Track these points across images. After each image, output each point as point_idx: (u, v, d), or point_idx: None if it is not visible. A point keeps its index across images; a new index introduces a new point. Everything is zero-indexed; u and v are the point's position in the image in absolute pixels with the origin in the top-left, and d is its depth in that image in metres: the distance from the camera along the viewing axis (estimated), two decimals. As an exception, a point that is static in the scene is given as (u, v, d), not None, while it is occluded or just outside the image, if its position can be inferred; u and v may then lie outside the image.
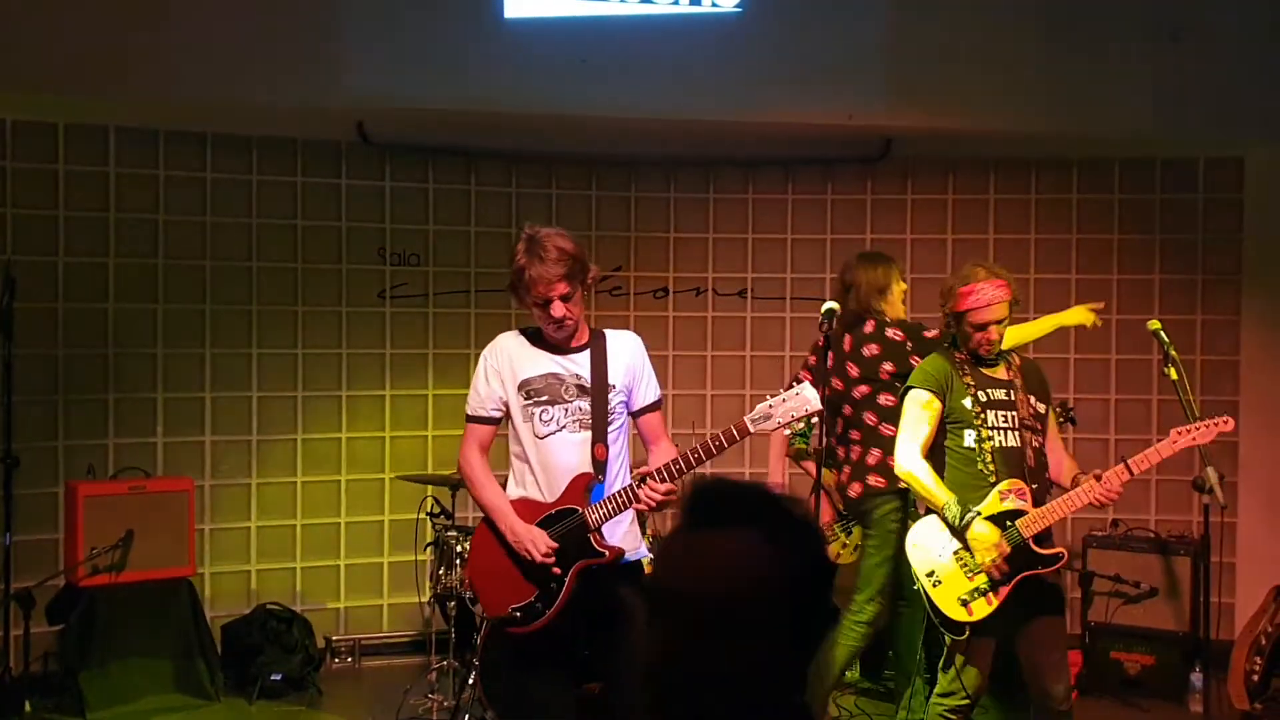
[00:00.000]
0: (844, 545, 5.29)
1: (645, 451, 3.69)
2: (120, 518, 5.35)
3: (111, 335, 5.91)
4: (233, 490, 6.14)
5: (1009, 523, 3.84)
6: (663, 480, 3.42)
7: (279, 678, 5.52)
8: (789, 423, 3.50)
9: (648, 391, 3.67)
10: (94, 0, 5.27)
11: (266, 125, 6.08)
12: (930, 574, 3.91)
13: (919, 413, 3.96)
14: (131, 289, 5.95)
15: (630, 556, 3.60)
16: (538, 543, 3.47)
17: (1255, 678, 5.25)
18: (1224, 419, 3.89)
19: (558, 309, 3.46)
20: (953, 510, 3.83)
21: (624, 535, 3.60)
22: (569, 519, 3.51)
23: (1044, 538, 3.90)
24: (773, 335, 6.81)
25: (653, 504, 3.44)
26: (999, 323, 3.91)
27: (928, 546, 3.95)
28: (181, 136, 6.02)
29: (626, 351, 3.64)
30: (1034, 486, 3.89)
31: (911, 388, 4.01)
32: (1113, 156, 6.59)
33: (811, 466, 5.37)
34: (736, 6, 5.79)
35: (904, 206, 6.75)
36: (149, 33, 5.32)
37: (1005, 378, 3.99)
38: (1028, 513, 3.84)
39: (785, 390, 3.49)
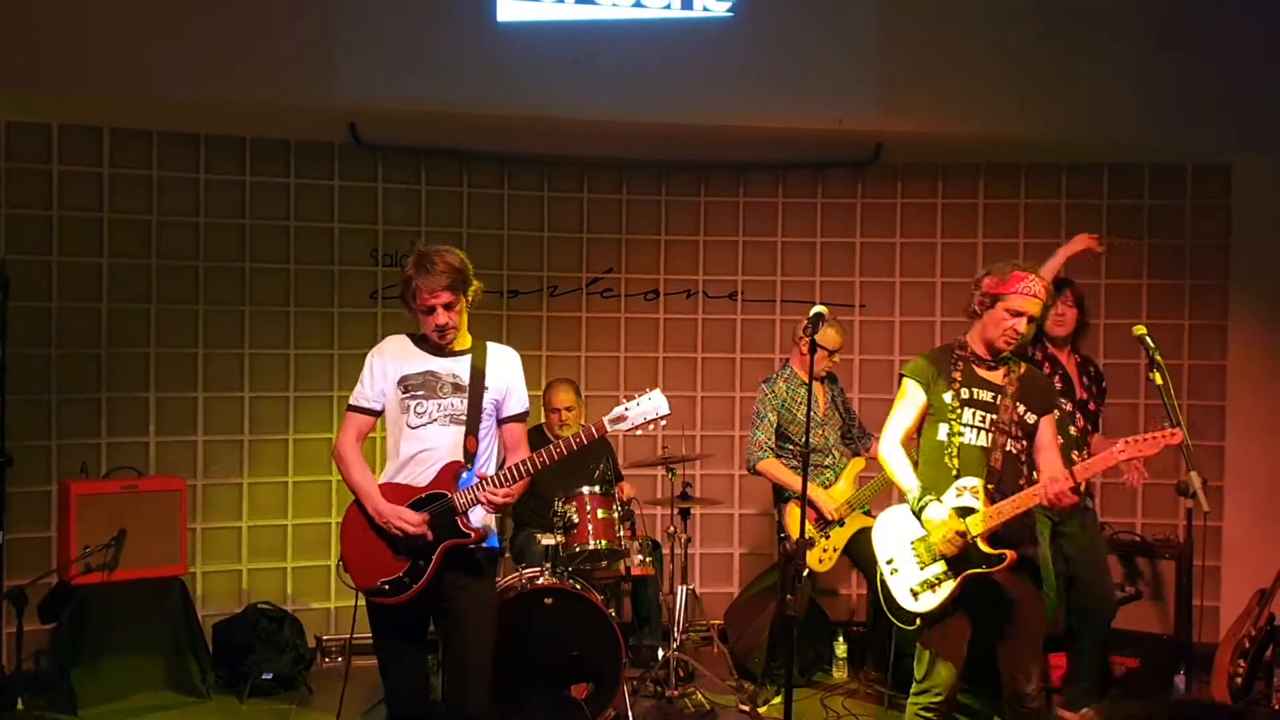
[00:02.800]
0: (824, 550, 5.33)
1: (505, 457, 3.98)
2: (113, 517, 5.38)
3: (105, 335, 5.93)
4: (224, 490, 6.17)
5: (961, 519, 3.90)
6: (501, 485, 3.76)
7: (270, 676, 5.55)
8: (642, 425, 3.78)
9: (516, 404, 3.97)
10: (90, 2, 5.29)
11: (260, 126, 6.11)
12: (889, 561, 4.03)
13: (904, 402, 4.09)
14: (125, 289, 5.97)
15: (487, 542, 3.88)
16: (406, 518, 3.74)
17: (1239, 680, 5.30)
18: (1171, 431, 3.88)
19: (440, 316, 3.81)
20: (913, 496, 3.96)
21: (483, 518, 3.86)
22: (438, 502, 3.79)
23: (1002, 540, 3.90)
24: (763, 337, 6.84)
25: (493, 503, 3.76)
26: (1030, 320, 3.98)
27: (890, 535, 4.06)
28: (175, 137, 6.04)
29: (504, 363, 3.96)
30: (990, 487, 3.91)
31: (902, 377, 4.14)
32: (1101, 162, 6.64)
33: (774, 470, 5.40)
34: (728, 11, 5.83)
35: (894, 210, 6.80)
36: (143, 34, 5.35)
37: (999, 382, 4.03)
38: (979, 511, 3.89)
39: (640, 395, 3.80)
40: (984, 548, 3.87)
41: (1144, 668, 5.77)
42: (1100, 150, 6.50)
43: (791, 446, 5.42)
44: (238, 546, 6.20)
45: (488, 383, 3.87)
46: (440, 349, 3.88)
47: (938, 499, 3.91)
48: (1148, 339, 4.32)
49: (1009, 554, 3.87)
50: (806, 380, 5.08)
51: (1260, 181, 6.42)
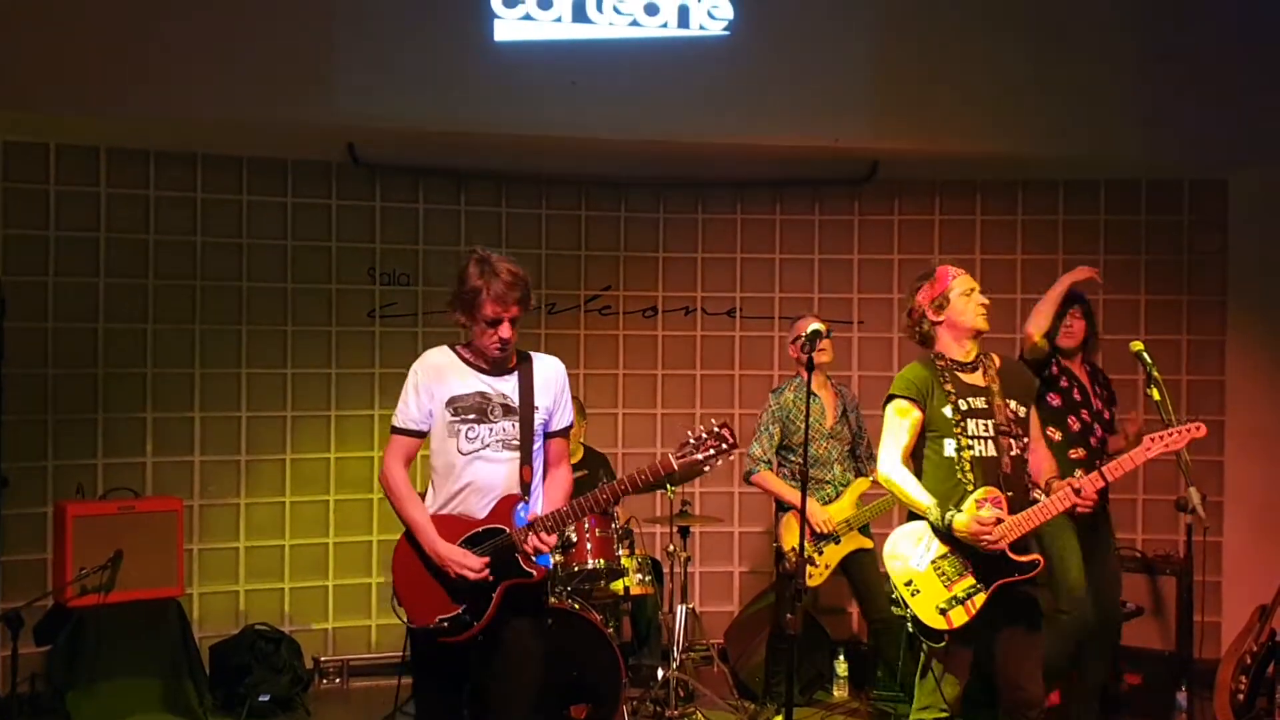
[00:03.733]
0: (816, 566, 5.30)
1: (545, 471, 3.78)
2: (109, 538, 5.34)
3: (101, 355, 5.92)
4: (221, 510, 6.15)
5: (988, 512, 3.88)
6: (550, 532, 3.58)
7: (267, 698, 5.52)
8: (708, 460, 3.60)
9: (563, 417, 3.79)
10: (86, 21, 5.29)
11: (257, 146, 6.11)
12: (909, 583, 3.96)
13: (900, 420, 4.03)
14: (121, 309, 5.97)
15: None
16: (469, 563, 3.56)
17: (1241, 697, 5.27)
18: (1197, 425, 3.92)
19: (506, 330, 3.60)
20: (935, 513, 3.89)
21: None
22: (497, 538, 3.60)
23: (1023, 547, 3.92)
24: (761, 354, 6.84)
25: (540, 551, 3.58)
26: (979, 291, 4.05)
27: (906, 556, 4.00)
28: (172, 157, 6.04)
29: (552, 376, 3.76)
30: (1009, 494, 3.92)
31: (893, 396, 4.06)
32: (1098, 178, 6.66)
33: (768, 481, 5.38)
34: (724, 30, 5.84)
35: (891, 227, 6.80)
36: (141, 54, 5.34)
37: (983, 384, 4.03)
38: (1003, 520, 3.87)
39: (705, 430, 3.62)
40: (1012, 556, 3.87)
41: (1146, 684, 5.75)
42: (1097, 166, 6.51)
43: (793, 459, 5.39)
44: (235, 567, 6.17)
45: (537, 401, 3.68)
46: (490, 366, 3.68)
47: (957, 509, 3.88)
48: (1145, 355, 4.32)
49: (1040, 559, 3.89)
50: (812, 392, 5.09)
51: (1257, 197, 6.43)
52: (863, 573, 5.35)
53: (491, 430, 3.63)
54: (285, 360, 6.28)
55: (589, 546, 5.20)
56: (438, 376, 3.67)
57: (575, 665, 4.86)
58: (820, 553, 5.30)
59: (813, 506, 5.28)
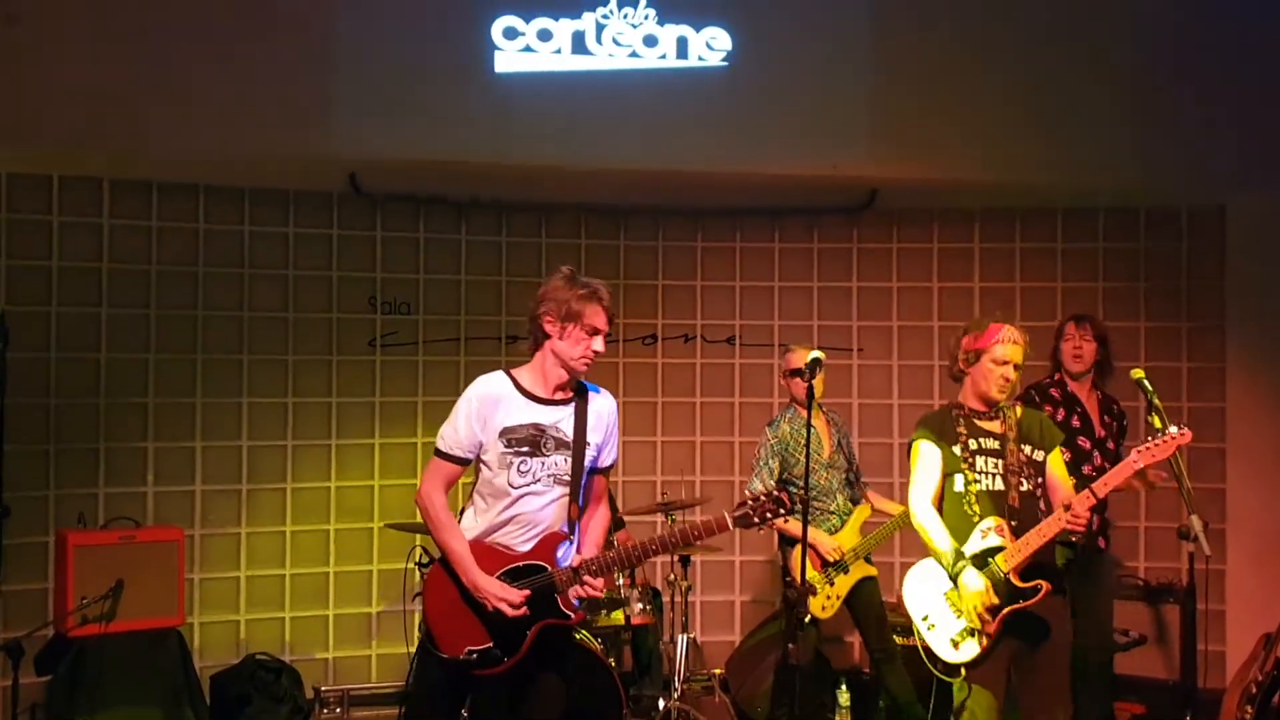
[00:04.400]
0: (828, 597, 5.26)
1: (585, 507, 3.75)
2: (110, 567, 5.35)
3: (103, 384, 5.93)
4: (222, 540, 6.14)
5: (989, 559, 3.94)
6: (597, 576, 3.57)
7: (267, 728, 5.50)
8: (764, 523, 3.64)
9: (609, 454, 3.75)
10: (91, 56, 5.33)
11: (259, 176, 6.14)
12: (925, 618, 4.04)
13: (927, 460, 4.11)
14: (124, 338, 5.98)
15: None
16: (509, 597, 3.50)
17: (1245, 726, 5.24)
18: (1182, 432, 3.94)
19: (601, 344, 3.60)
20: (948, 559, 3.97)
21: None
22: (538, 575, 3.56)
23: (1030, 573, 3.94)
24: (761, 382, 6.84)
25: (584, 595, 3.58)
26: (1017, 367, 4.08)
27: (922, 591, 4.08)
28: (174, 187, 6.08)
29: (604, 412, 3.73)
30: (1013, 524, 3.97)
31: (917, 439, 4.17)
32: (1096, 206, 6.67)
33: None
34: (722, 61, 5.88)
35: (889, 255, 6.82)
36: (144, 87, 5.38)
37: (999, 430, 4.11)
38: (1006, 547, 3.93)
39: (765, 494, 3.68)
40: (1016, 582, 3.91)
41: (1150, 714, 5.72)
42: (1095, 194, 6.54)
43: (794, 490, 5.36)
44: (235, 596, 6.16)
45: (589, 437, 3.64)
46: (545, 397, 3.63)
47: (969, 562, 3.92)
48: (1145, 382, 4.32)
49: (1044, 584, 3.90)
50: (807, 419, 5.09)
51: (1255, 223, 6.44)
52: (866, 602, 5.32)
53: (544, 464, 3.58)
54: (286, 389, 6.29)
55: (612, 572, 5.17)
56: (493, 407, 3.60)
57: (576, 695, 4.83)
58: (831, 583, 5.25)
59: (821, 536, 5.25)
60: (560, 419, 3.62)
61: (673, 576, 5.64)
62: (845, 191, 6.52)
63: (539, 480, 3.57)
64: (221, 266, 6.18)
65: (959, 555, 3.94)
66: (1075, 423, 5.13)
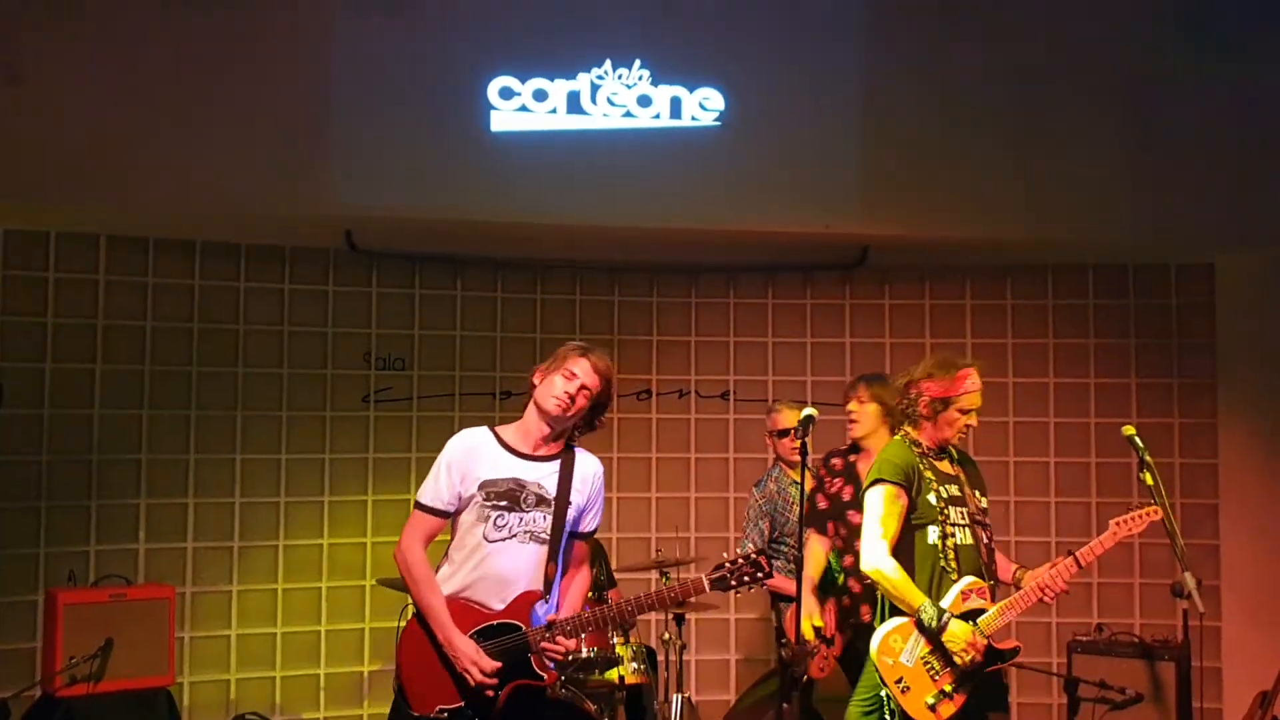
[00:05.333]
0: (825, 658, 5.21)
1: (564, 571, 3.71)
2: (100, 626, 5.30)
3: (96, 441, 5.92)
4: (213, 597, 6.10)
5: (972, 623, 3.87)
6: (569, 636, 3.54)
7: (256, 790, 5.43)
8: (740, 586, 3.60)
9: (592, 519, 3.73)
10: (87, 113, 5.37)
11: (255, 233, 6.18)
12: (899, 680, 3.89)
13: (888, 508, 3.93)
14: (117, 395, 5.98)
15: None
16: (480, 664, 3.47)
17: (1244, 785, 5.20)
18: (1154, 509, 3.94)
19: (572, 386, 3.58)
20: (929, 613, 3.82)
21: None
22: (512, 635, 3.53)
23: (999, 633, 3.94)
24: (756, 437, 6.83)
25: (552, 656, 3.53)
26: (975, 414, 4.03)
27: (895, 652, 3.92)
28: (171, 244, 6.11)
29: (590, 475, 3.71)
30: (990, 584, 3.95)
31: (882, 481, 3.97)
32: (1086, 262, 6.73)
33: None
34: (716, 121, 5.95)
35: (882, 311, 6.87)
36: (140, 144, 5.42)
37: (953, 472, 4.06)
38: (989, 611, 3.88)
39: (743, 557, 3.62)
40: (995, 645, 3.87)
41: (1148, 773, 5.67)
42: (1084, 251, 6.59)
43: (785, 549, 5.36)
44: (226, 655, 6.11)
45: (572, 496, 3.62)
46: (528, 453, 3.63)
47: (950, 613, 3.84)
48: (1136, 439, 4.33)
49: (1019, 645, 3.89)
50: (795, 478, 5.07)
51: (1244, 280, 6.50)
52: (858, 660, 5.27)
53: (521, 520, 3.56)
54: (280, 445, 6.28)
55: (583, 635, 5.14)
56: (473, 458, 3.60)
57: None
58: (830, 644, 5.21)
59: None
60: (543, 476, 3.61)
61: (667, 635, 5.60)
62: (838, 249, 6.57)
63: (515, 536, 3.55)
64: (216, 323, 6.19)
65: (940, 609, 3.81)
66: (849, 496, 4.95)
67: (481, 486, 3.56)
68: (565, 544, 3.65)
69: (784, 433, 5.30)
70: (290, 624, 6.24)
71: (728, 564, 3.60)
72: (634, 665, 5.45)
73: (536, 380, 3.66)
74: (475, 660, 3.47)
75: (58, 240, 5.90)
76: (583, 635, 3.60)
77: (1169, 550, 4.20)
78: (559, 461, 3.65)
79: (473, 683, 3.47)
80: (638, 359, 6.86)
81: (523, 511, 3.56)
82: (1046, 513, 6.61)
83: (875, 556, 3.90)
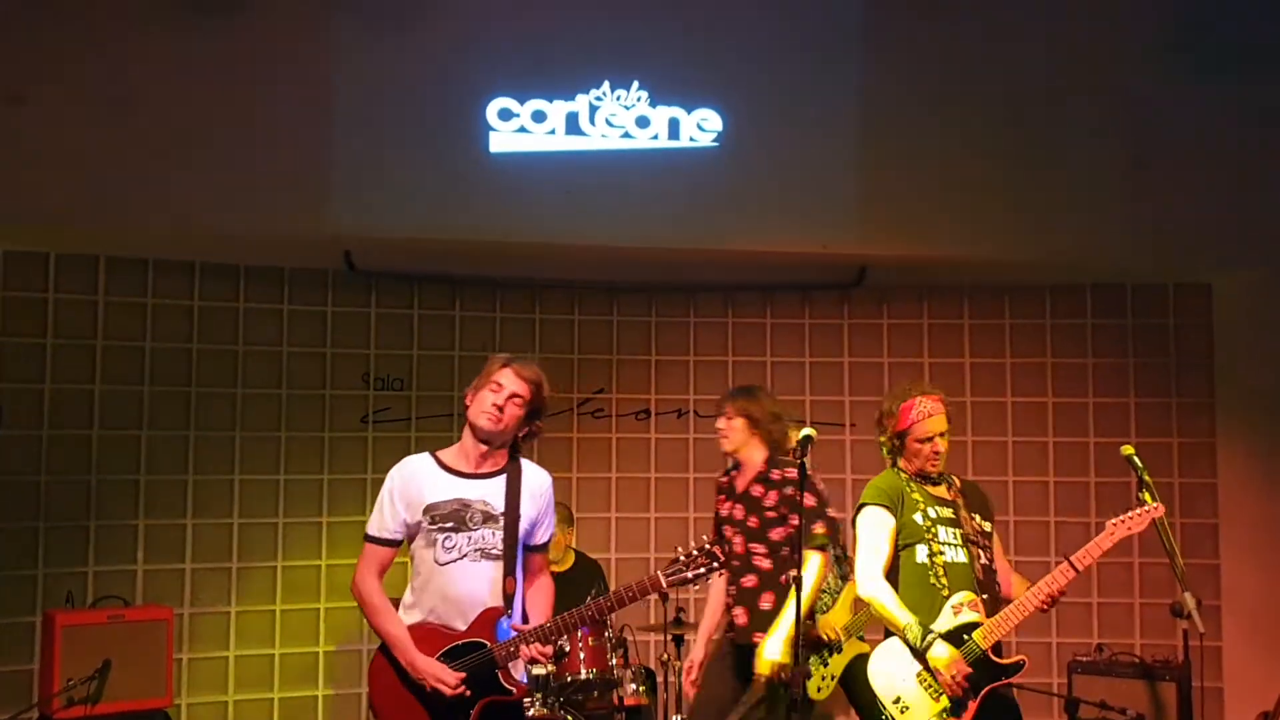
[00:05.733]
0: (823, 678, 5.20)
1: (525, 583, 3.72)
2: (98, 648, 5.29)
3: (95, 461, 5.92)
4: (212, 619, 6.09)
5: (965, 636, 3.87)
6: (544, 641, 3.54)
7: (254, 813, 5.41)
8: (697, 578, 3.60)
9: (544, 532, 3.74)
10: (87, 134, 5.40)
11: (254, 254, 6.20)
12: (896, 700, 3.90)
13: (877, 531, 3.97)
14: (116, 415, 5.98)
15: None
16: (445, 678, 3.49)
17: (1245, 806, 5.18)
18: (1157, 505, 3.92)
19: (500, 398, 3.59)
20: (914, 632, 3.84)
21: (521, 668, 3.65)
22: (477, 653, 3.54)
23: (1001, 649, 3.92)
24: (754, 458, 6.84)
25: (531, 659, 3.55)
26: (942, 434, 4.01)
27: (891, 673, 3.93)
28: (170, 265, 6.12)
29: (539, 487, 3.71)
30: (984, 597, 3.93)
31: (865, 505, 4.03)
32: (1084, 282, 6.74)
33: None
34: (714, 141, 5.97)
35: (880, 331, 6.87)
36: (140, 165, 5.44)
37: (949, 497, 4.06)
38: (982, 624, 3.87)
39: (697, 547, 3.62)
40: (995, 660, 3.85)
41: (1149, 794, 5.65)
42: (1082, 271, 6.61)
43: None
44: (224, 677, 6.09)
45: (522, 510, 3.62)
46: (473, 467, 3.64)
47: (939, 635, 3.84)
48: (1135, 459, 4.33)
49: (1024, 659, 3.89)
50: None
51: (1241, 300, 6.51)
52: (862, 683, 5.24)
53: (470, 539, 3.56)
54: (278, 466, 6.28)
55: (582, 656, 5.15)
56: (414, 484, 3.63)
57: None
58: (825, 663, 5.19)
59: (818, 618, 5.17)
60: (488, 493, 3.62)
61: (666, 656, 5.59)
62: (835, 268, 6.58)
63: (465, 555, 3.55)
64: (215, 343, 6.20)
65: (925, 629, 3.83)
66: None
67: (426, 511, 3.58)
68: (522, 558, 3.66)
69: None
70: (288, 645, 6.22)
71: (682, 557, 3.62)
72: (633, 687, 5.44)
73: (468, 400, 3.69)
74: (439, 675, 3.49)
75: (57, 261, 5.91)
76: (555, 641, 3.60)
77: (1169, 570, 4.19)
78: (504, 476, 3.65)
79: (446, 695, 3.49)
80: (636, 379, 6.87)
81: (470, 530, 3.57)
82: (1046, 532, 6.60)
83: (868, 581, 3.94)
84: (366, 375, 6.47)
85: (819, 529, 4.45)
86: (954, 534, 3.97)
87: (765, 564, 4.56)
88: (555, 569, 5.59)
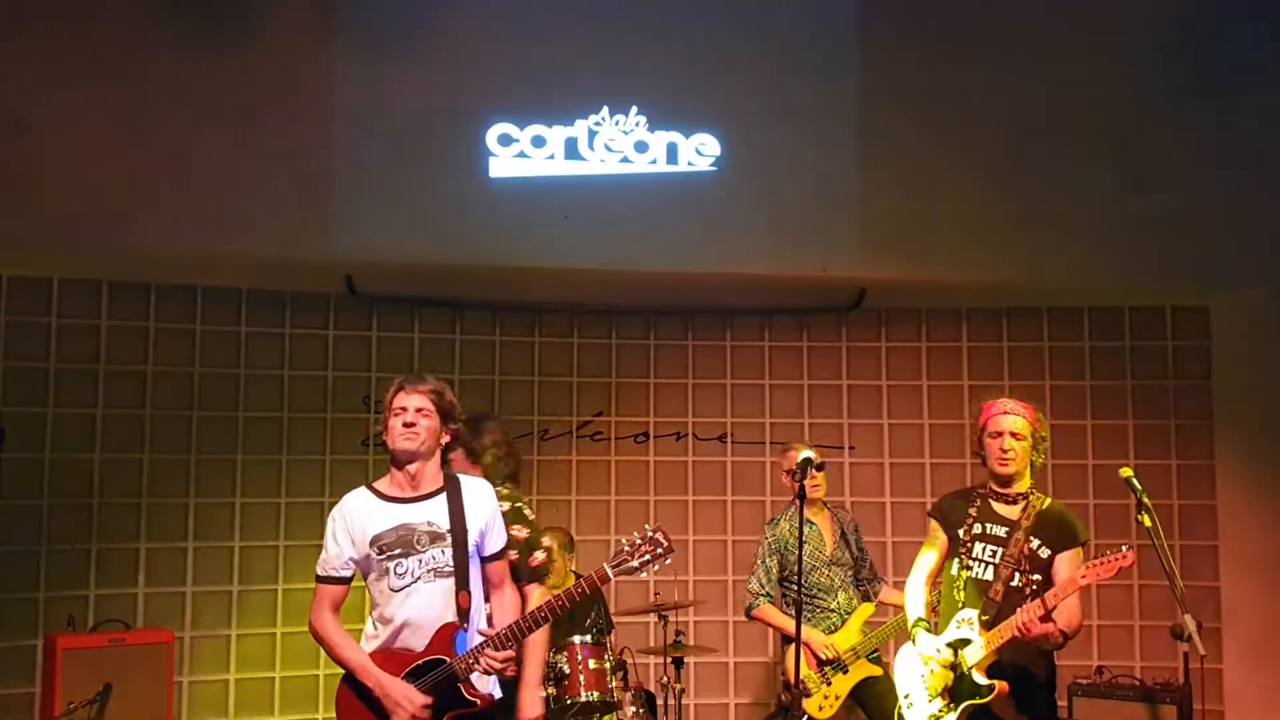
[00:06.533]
0: (825, 697, 5.20)
1: (489, 595, 3.76)
2: (99, 671, 5.31)
3: (97, 485, 5.95)
4: (212, 642, 6.10)
5: (958, 650, 4.01)
6: (500, 647, 3.57)
7: (253, 837, 5.40)
8: (644, 565, 3.62)
9: (496, 540, 3.77)
10: (89, 160, 5.44)
11: (256, 278, 6.23)
12: (906, 696, 4.15)
13: (930, 543, 4.26)
14: (118, 439, 6.01)
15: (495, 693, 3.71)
16: (411, 699, 3.53)
17: (1246, 830, 5.17)
18: (1125, 554, 3.90)
19: (409, 415, 3.64)
20: (910, 622, 4.14)
21: (489, 680, 3.67)
22: (438, 670, 3.57)
23: (1001, 671, 3.95)
24: (753, 480, 6.86)
25: (492, 670, 3.57)
26: (1014, 435, 4.08)
27: (908, 669, 4.17)
28: (172, 289, 6.16)
29: (480, 498, 3.75)
30: (985, 618, 3.98)
31: (930, 517, 4.32)
32: (1081, 305, 6.77)
33: (770, 615, 5.32)
34: (711, 166, 6.02)
35: (878, 354, 6.90)
36: (142, 190, 5.48)
37: (1014, 518, 4.09)
38: (973, 642, 3.98)
39: (639, 535, 3.64)
40: (978, 678, 3.94)
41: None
42: (1080, 294, 6.63)
43: (794, 588, 5.30)
44: (225, 700, 6.10)
45: (469, 524, 3.65)
46: (410, 491, 3.67)
47: (929, 628, 4.07)
48: (1134, 481, 4.33)
49: (999, 685, 3.93)
50: (808, 519, 5.09)
51: (1239, 322, 6.53)
52: (877, 703, 5.22)
53: (420, 561, 3.59)
54: (279, 489, 6.30)
55: (581, 679, 5.14)
56: (355, 519, 3.66)
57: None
58: (829, 682, 5.18)
59: (814, 634, 5.19)
60: (430, 514, 3.65)
61: (665, 679, 5.59)
62: (834, 291, 6.61)
63: (419, 578, 3.59)
64: (217, 367, 6.23)
65: (919, 621, 4.09)
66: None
67: (373, 542, 3.61)
68: (476, 570, 3.69)
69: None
70: (289, 668, 6.22)
71: (626, 547, 3.65)
72: (633, 709, 5.43)
73: (385, 438, 3.74)
74: (405, 696, 3.52)
75: (60, 286, 5.95)
76: (511, 646, 3.62)
77: (1168, 592, 4.20)
78: (444, 495, 3.68)
79: (411, 711, 3.52)
80: (635, 402, 6.89)
81: (419, 553, 3.60)
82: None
83: (910, 580, 4.24)
84: (368, 398, 6.49)
85: (536, 561, 4.42)
86: (994, 552, 4.05)
87: None
88: (558, 593, 5.61)
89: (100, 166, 5.46)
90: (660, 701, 5.88)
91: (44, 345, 5.90)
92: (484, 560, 3.74)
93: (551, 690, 5.07)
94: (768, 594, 5.32)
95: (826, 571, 5.28)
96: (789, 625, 5.19)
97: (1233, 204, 6.14)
